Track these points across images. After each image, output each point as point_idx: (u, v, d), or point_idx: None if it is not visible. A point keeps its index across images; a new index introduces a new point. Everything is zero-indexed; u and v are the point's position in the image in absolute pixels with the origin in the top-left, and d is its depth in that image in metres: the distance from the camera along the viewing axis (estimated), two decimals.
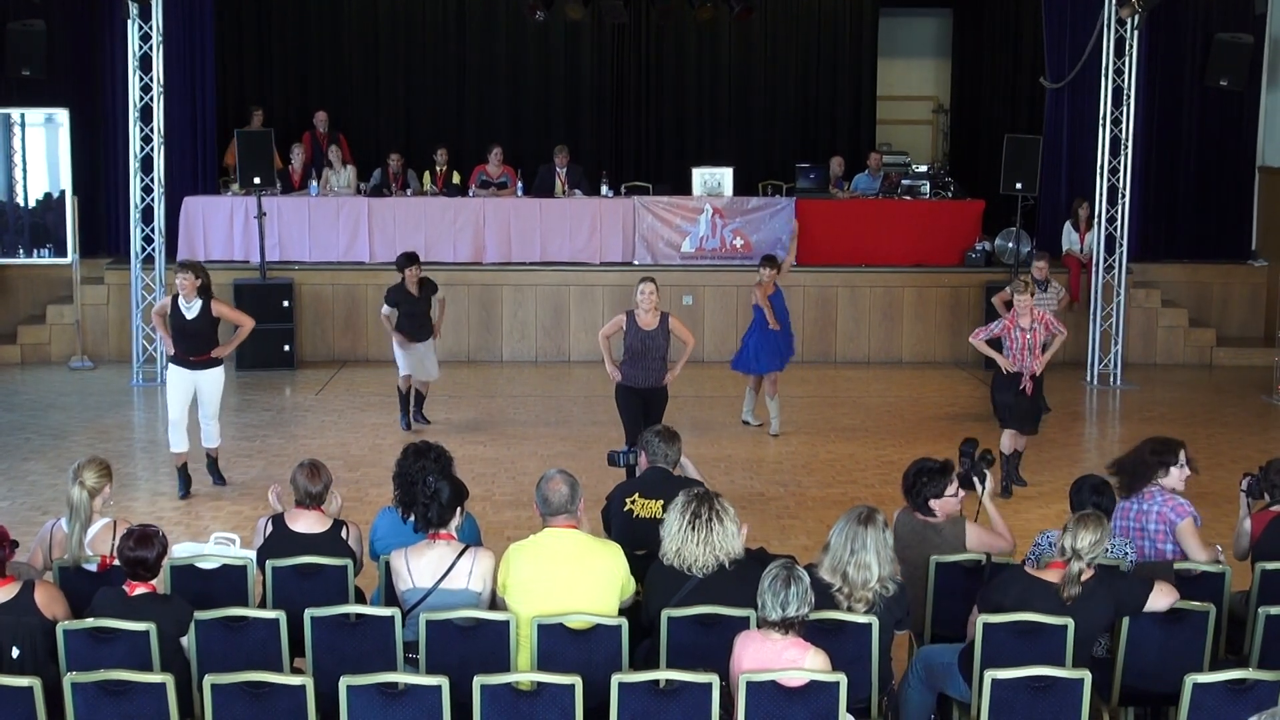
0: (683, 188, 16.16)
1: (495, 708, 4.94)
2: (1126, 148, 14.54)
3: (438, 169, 16.22)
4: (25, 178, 14.87)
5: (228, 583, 6.15)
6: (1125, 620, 5.70)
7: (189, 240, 15.26)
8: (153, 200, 14.19)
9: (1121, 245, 14.66)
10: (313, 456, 6.70)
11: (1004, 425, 10.34)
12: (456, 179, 16.08)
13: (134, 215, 14.19)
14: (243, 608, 5.72)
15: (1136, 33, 14.24)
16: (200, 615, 5.54)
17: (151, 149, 14.11)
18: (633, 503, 6.65)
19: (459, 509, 5.88)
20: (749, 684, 4.90)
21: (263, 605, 6.04)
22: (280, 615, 5.60)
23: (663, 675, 5.02)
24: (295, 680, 5.02)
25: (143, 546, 5.56)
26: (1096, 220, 14.63)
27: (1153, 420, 12.71)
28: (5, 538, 5.56)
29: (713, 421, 12.57)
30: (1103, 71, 14.48)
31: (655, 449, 6.83)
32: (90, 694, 4.93)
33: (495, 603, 5.74)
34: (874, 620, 5.47)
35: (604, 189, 16.04)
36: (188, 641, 5.56)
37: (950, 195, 16.34)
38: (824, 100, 19.48)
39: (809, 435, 11.99)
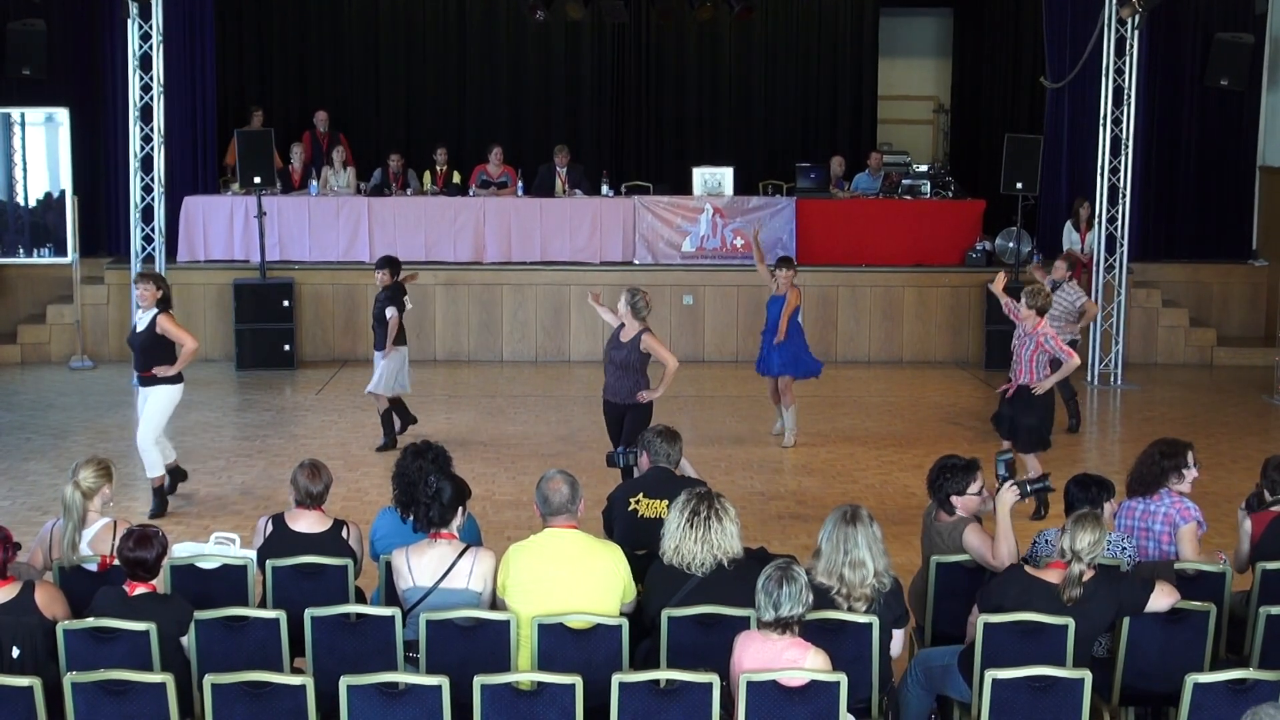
0: (683, 187, 16.16)
1: (496, 707, 4.94)
2: (1127, 147, 14.53)
3: (438, 168, 16.22)
4: (25, 177, 14.87)
5: (228, 583, 6.15)
6: (1126, 620, 5.70)
7: (189, 240, 15.26)
8: (153, 200, 14.19)
9: (1122, 245, 14.66)
10: (313, 456, 6.70)
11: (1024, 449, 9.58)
12: (457, 179, 16.08)
13: (134, 215, 14.19)
14: (243, 607, 5.72)
15: (1137, 32, 14.24)
16: (200, 615, 5.53)
17: (151, 148, 14.11)
18: (637, 502, 6.64)
19: (461, 508, 5.88)
20: (749, 684, 4.90)
21: (263, 605, 6.04)
22: (280, 615, 5.60)
23: (663, 675, 5.02)
24: (295, 680, 5.01)
25: (142, 547, 5.56)
26: (1097, 220, 14.62)
27: (1153, 420, 12.71)
28: (8, 540, 5.56)
29: (713, 421, 12.57)
30: (1103, 71, 14.47)
31: (658, 449, 6.83)
32: (90, 694, 4.93)
33: (495, 603, 5.73)
34: (874, 620, 5.46)
35: (604, 189, 16.04)
36: (188, 641, 5.56)
37: (951, 195, 16.34)
38: (824, 100, 19.47)
39: (809, 435, 11.98)
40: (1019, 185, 14.87)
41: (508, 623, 5.50)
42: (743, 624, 5.38)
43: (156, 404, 9.42)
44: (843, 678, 4.93)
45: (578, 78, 19.07)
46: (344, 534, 6.38)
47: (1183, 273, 16.40)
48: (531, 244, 15.53)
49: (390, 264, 11.55)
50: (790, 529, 9.33)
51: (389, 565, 5.95)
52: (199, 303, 15.09)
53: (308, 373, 14.64)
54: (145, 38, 13.93)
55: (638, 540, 6.37)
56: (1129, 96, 14.40)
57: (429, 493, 5.84)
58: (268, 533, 6.35)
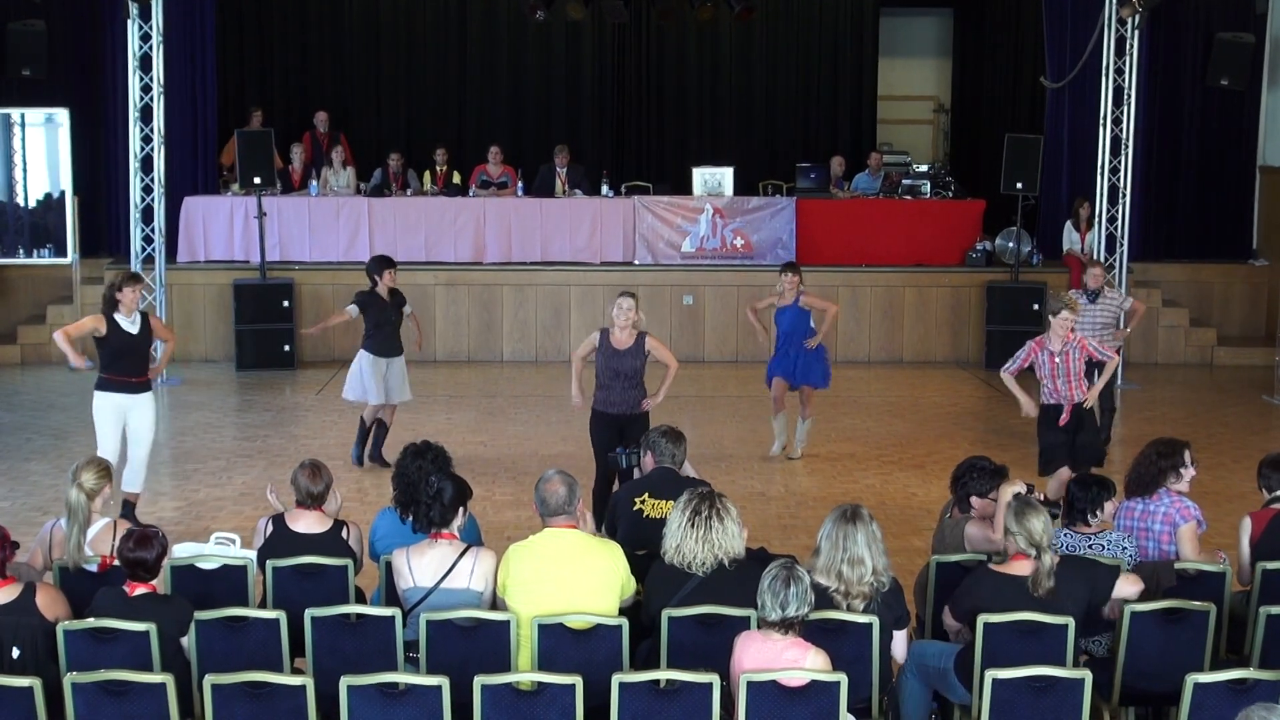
0: (683, 187, 16.16)
1: (496, 708, 4.94)
2: (1127, 147, 14.53)
3: (438, 169, 16.22)
4: (25, 178, 14.86)
5: (228, 583, 6.14)
6: (1126, 620, 5.70)
7: (189, 240, 15.26)
8: (153, 200, 14.18)
9: (1122, 245, 14.66)
10: (313, 457, 6.70)
11: (1043, 472, 9.08)
12: (457, 179, 16.08)
13: (134, 215, 14.18)
14: (243, 608, 5.72)
15: (1137, 32, 14.24)
16: (200, 615, 5.53)
17: (151, 149, 14.11)
18: (642, 502, 6.64)
19: (461, 509, 5.88)
20: (750, 684, 4.90)
21: (263, 605, 6.03)
22: (281, 615, 5.60)
23: (663, 675, 5.02)
24: (296, 680, 5.01)
25: (142, 547, 5.56)
26: (1097, 220, 14.62)
27: (1154, 420, 12.71)
28: (6, 539, 5.56)
29: (713, 421, 12.57)
30: (1103, 71, 14.47)
31: (662, 449, 6.83)
32: (90, 694, 4.93)
33: (496, 603, 5.74)
34: (874, 620, 5.46)
35: (604, 189, 16.04)
36: (188, 642, 5.55)
37: (951, 195, 16.34)
38: (825, 100, 19.48)
39: (810, 435, 11.96)
40: (1019, 185, 14.88)
41: (508, 623, 5.50)
42: (743, 624, 5.38)
43: (155, 410, 9.24)
44: (843, 678, 4.93)
45: (578, 78, 19.07)
46: (344, 534, 6.38)
47: (1183, 272, 16.40)
48: (532, 244, 15.53)
49: (376, 265, 11.03)
50: (790, 529, 9.32)
51: (389, 565, 5.95)
52: (199, 303, 15.10)
53: (308, 373, 14.64)
54: (145, 38, 13.93)
55: (642, 540, 6.37)
56: (1129, 96, 14.40)
57: (430, 493, 5.84)
58: (268, 533, 6.35)
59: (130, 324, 8.98)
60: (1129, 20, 14.20)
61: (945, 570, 6.27)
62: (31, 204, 14.90)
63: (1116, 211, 14.63)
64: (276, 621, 5.58)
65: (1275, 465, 6.72)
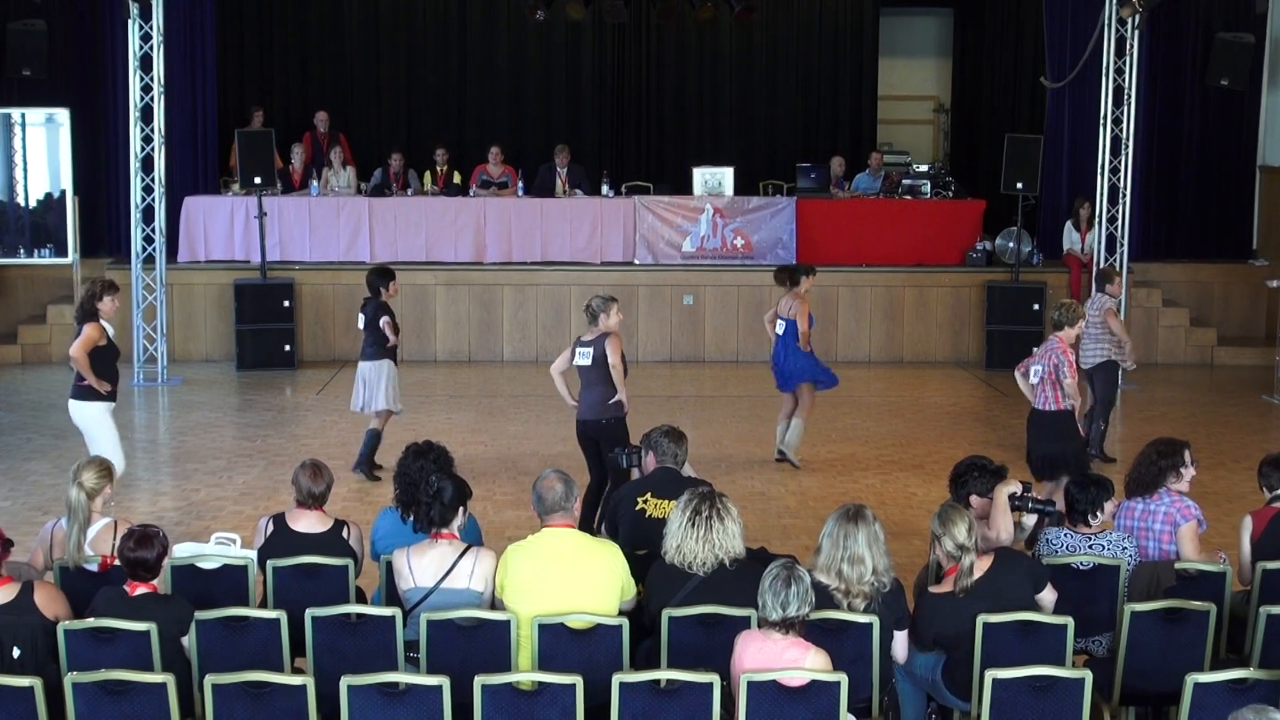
0: (683, 187, 16.16)
1: (496, 707, 4.94)
2: (1127, 147, 14.53)
3: (438, 169, 16.22)
4: (26, 178, 14.86)
5: (228, 583, 6.15)
6: (1126, 619, 5.70)
7: (189, 240, 15.26)
8: (153, 200, 14.18)
9: (1122, 245, 14.66)
10: (314, 457, 6.70)
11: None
12: (457, 179, 16.08)
13: (134, 215, 14.19)
14: (243, 608, 5.72)
15: (1137, 32, 14.24)
16: (201, 615, 5.54)
17: (152, 149, 14.11)
18: (645, 502, 6.64)
19: (461, 508, 5.88)
20: (750, 684, 4.90)
21: (263, 605, 6.04)
22: (281, 615, 5.60)
23: (664, 675, 5.02)
24: (296, 680, 5.02)
25: (143, 547, 5.56)
26: (1097, 220, 14.62)
27: (1154, 420, 12.70)
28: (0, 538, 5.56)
29: (713, 421, 12.57)
30: (1103, 71, 14.47)
31: (664, 449, 6.83)
32: (91, 694, 4.93)
33: (495, 604, 5.74)
34: (874, 620, 5.47)
35: (605, 189, 16.04)
36: (188, 641, 5.56)
37: (951, 195, 16.34)
38: (825, 100, 19.47)
39: (810, 435, 11.95)
40: (1019, 185, 14.88)
41: (508, 623, 5.51)
42: (744, 624, 5.38)
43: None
44: (843, 678, 4.93)
45: (578, 78, 19.07)
46: (345, 534, 6.39)
47: (1183, 272, 16.40)
48: (532, 244, 15.53)
49: (386, 277, 10.67)
50: (790, 529, 9.33)
51: (389, 565, 5.96)
52: (199, 303, 15.11)
53: (308, 373, 14.64)
54: (146, 38, 13.93)
55: (643, 540, 6.36)
56: (1129, 96, 14.40)
57: (430, 492, 5.85)
58: (268, 533, 6.35)
59: (110, 332, 8.87)
60: (1129, 20, 14.20)
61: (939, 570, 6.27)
62: (32, 204, 14.89)
63: (1116, 211, 14.63)
64: (277, 621, 5.58)
65: (1276, 464, 6.73)
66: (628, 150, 19.17)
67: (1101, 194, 14.55)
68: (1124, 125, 14.49)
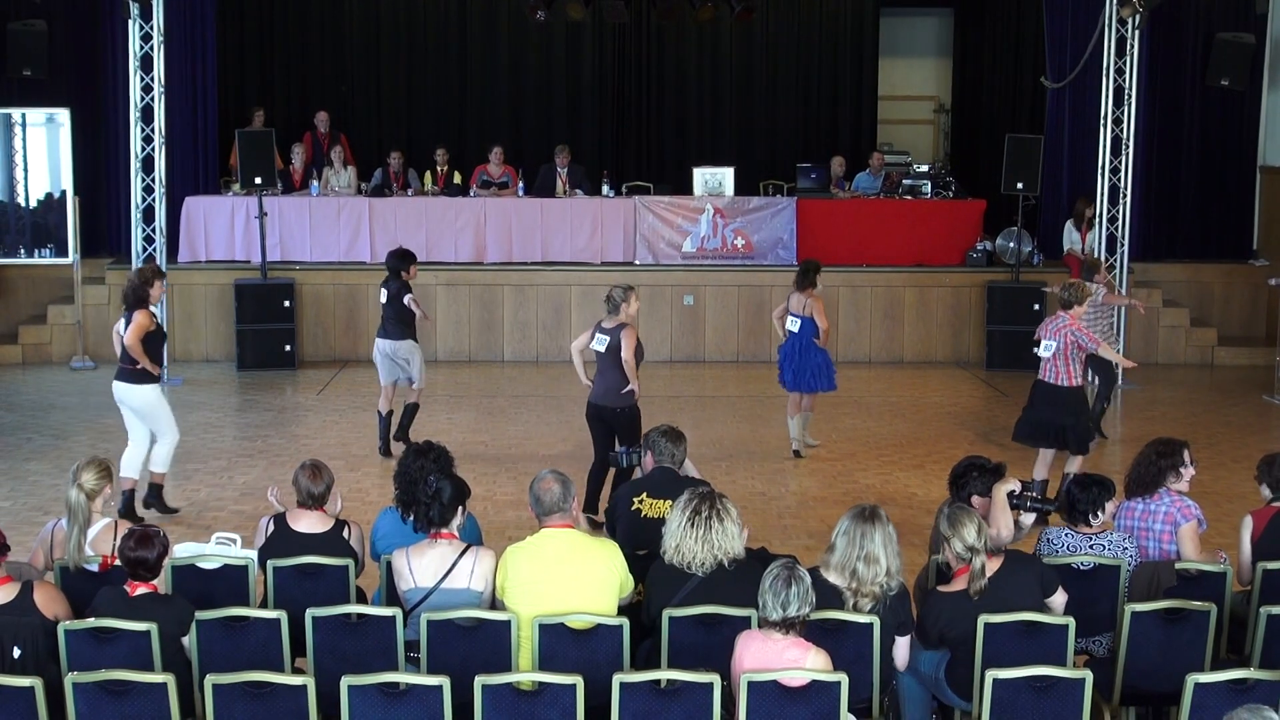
0: (684, 188, 16.15)
1: (496, 707, 4.94)
2: (1127, 147, 14.54)
3: (438, 169, 16.22)
4: (26, 178, 14.87)
5: (229, 583, 6.15)
6: (1126, 619, 5.71)
7: (190, 240, 15.26)
8: (154, 200, 14.19)
9: (1122, 245, 14.67)
10: (314, 457, 6.70)
11: (1088, 450, 9.56)
12: (457, 179, 16.08)
13: (135, 215, 14.19)
14: (244, 608, 5.72)
15: (1138, 32, 14.24)
16: (201, 615, 5.54)
17: (152, 149, 14.12)
18: (640, 502, 6.65)
19: (460, 508, 5.89)
20: (750, 684, 4.90)
21: (264, 605, 6.04)
22: (281, 615, 5.60)
23: (664, 675, 5.02)
24: (296, 680, 5.02)
25: (143, 547, 5.56)
26: (1098, 220, 14.62)
27: (1154, 420, 12.70)
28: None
29: (714, 421, 12.57)
30: (1104, 71, 14.48)
31: (662, 449, 6.84)
32: (91, 694, 4.93)
33: (495, 605, 5.74)
34: (875, 620, 5.47)
35: (605, 189, 16.05)
36: (189, 641, 5.56)
37: (951, 195, 16.34)
38: (825, 100, 19.47)
39: (810, 435, 11.97)
40: (1020, 185, 14.88)
41: (509, 623, 5.51)
42: (744, 624, 5.38)
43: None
44: (843, 678, 4.94)
45: (578, 78, 19.07)
46: (345, 534, 6.39)
47: (1183, 272, 16.40)
48: (532, 244, 15.53)
49: (408, 259, 11.25)
50: (791, 529, 9.33)
51: (390, 565, 5.96)
52: (200, 303, 15.11)
53: (309, 373, 14.65)
54: (146, 38, 13.93)
55: (640, 540, 6.37)
56: (1130, 96, 14.41)
57: (428, 492, 5.85)
58: (269, 533, 6.36)
59: (159, 317, 9.44)
60: (1129, 20, 14.20)
61: (944, 572, 6.26)
62: (32, 204, 14.90)
63: (1117, 211, 14.63)
64: (277, 621, 5.58)
65: (1275, 464, 6.73)
66: (628, 150, 19.17)
67: (1102, 194, 14.56)
68: (1124, 125, 14.49)
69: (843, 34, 19.44)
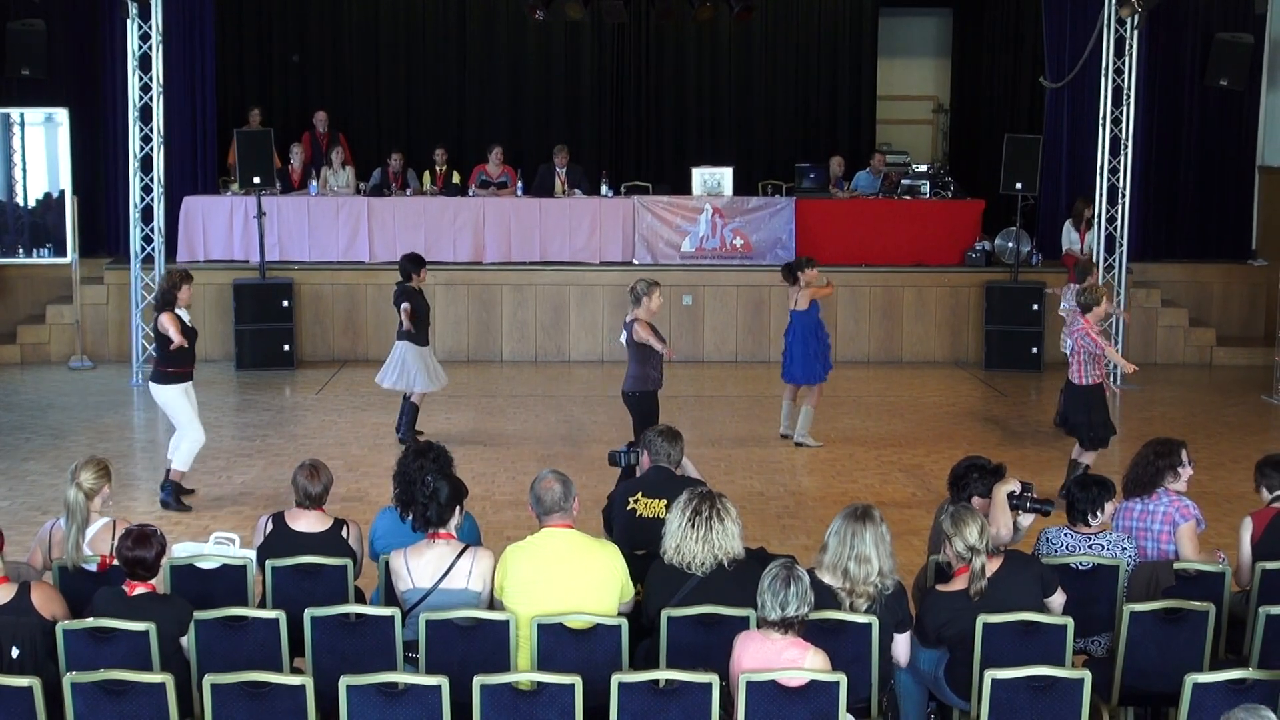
0: (683, 187, 16.16)
1: (495, 707, 4.94)
2: (1126, 147, 14.54)
3: (437, 169, 16.22)
4: (25, 177, 14.87)
5: (227, 582, 6.15)
6: (1125, 619, 5.71)
7: (189, 240, 15.26)
8: (152, 200, 14.18)
9: (1121, 245, 14.67)
10: (313, 457, 6.70)
11: (1102, 446, 9.97)
12: (456, 179, 16.08)
13: (134, 215, 14.18)
14: (242, 607, 5.72)
15: (1136, 32, 14.24)
16: (200, 615, 5.53)
17: (151, 149, 14.11)
18: (636, 502, 6.64)
19: (458, 508, 5.88)
20: (749, 684, 4.90)
21: (262, 605, 6.04)
22: (280, 615, 5.60)
23: (663, 675, 5.02)
24: (295, 680, 5.01)
25: (141, 546, 5.56)
26: (1096, 220, 14.62)
27: (1153, 420, 12.70)
28: None
29: (713, 421, 12.57)
30: (1103, 71, 14.48)
31: (658, 448, 6.83)
32: (90, 694, 4.93)
33: (493, 604, 5.74)
34: (874, 620, 5.47)
35: (604, 189, 16.04)
36: (187, 641, 5.56)
37: (950, 195, 16.34)
38: (824, 100, 19.47)
39: (811, 436, 11.96)
40: (1018, 185, 14.88)
41: (507, 623, 5.50)
42: (743, 624, 5.38)
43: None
44: (842, 678, 4.93)
45: (577, 78, 19.07)
46: (344, 534, 6.39)
47: (1182, 272, 16.40)
48: (531, 244, 15.53)
49: (418, 263, 11.61)
50: (790, 529, 9.33)
51: (388, 565, 5.95)
52: (199, 303, 14.96)
53: (307, 373, 14.64)
54: (145, 38, 13.93)
55: (637, 540, 6.37)
56: (1128, 96, 14.41)
57: (426, 492, 5.85)
58: (267, 532, 6.36)
59: (188, 320, 9.67)
60: (1128, 20, 14.20)
61: (943, 571, 6.26)
62: (31, 204, 14.91)
63: (1116, 212, 14.63)
64: (276, 621, 5.58)
65: (1273, 465, 6.73)
66: (627, 150, 19.17)
67: (1101, 194, 14.55)
68: (1123, 125, 14.49)
69: (841, 34, 19.44)
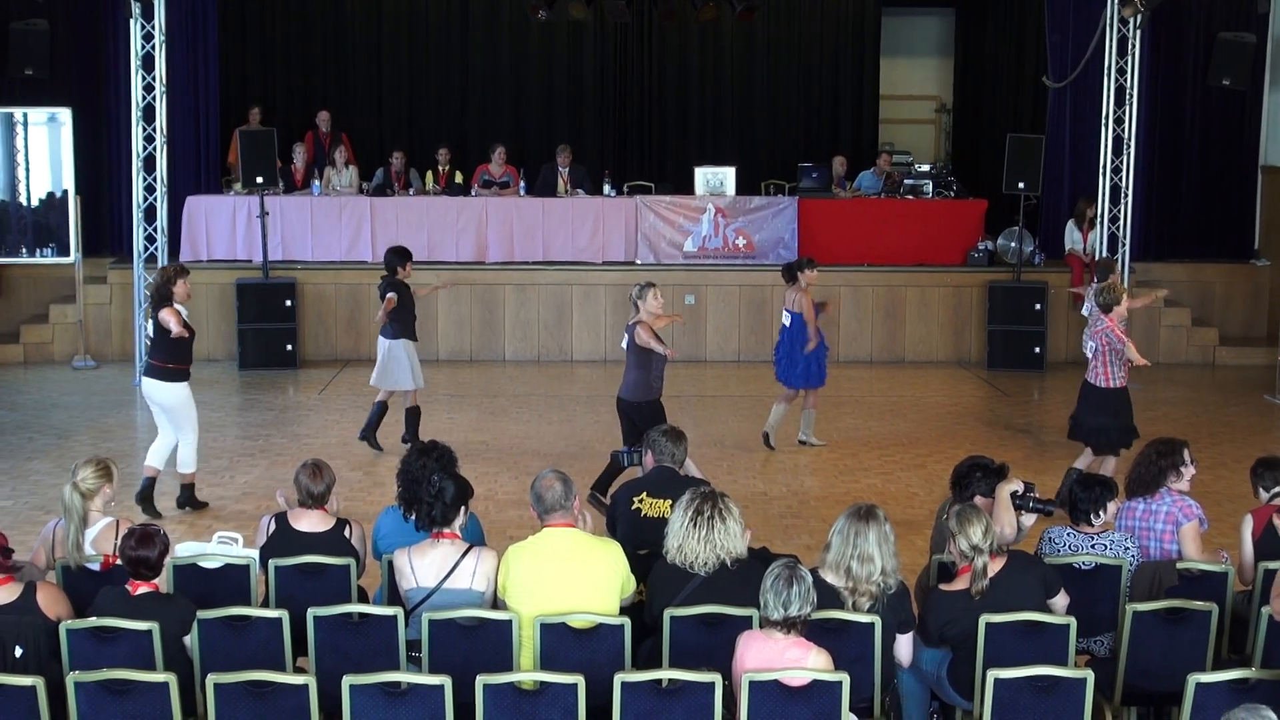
0: (685, 187, 16.15)
1: (498, 707, 4.95)
2: (1129, 147, 14.53)
3: (440, 168, 16.22)
4: (28, 177, 14.87)
5: (230, 582, 6.15)
6: (1128, 619, 5.71)
7: (192, 240, 15.26)
8: (155, 200, 14.19)
9: (1124, 244, 14.67)
10: (315, 456, 6.70)
11: (1128, 446, 9.61)
12: (459, 178, 16.08)
13: (137, 215, 14.19)
14: (246, 607, 5.73)
15: (1139, 32, 14.25)
16: (203, 614, 5.54)
17: (154, 148, 14.12)
18: (640, 501, 6.65)
19: (463, 508, 5.88)
20: (752, 683, 4.91)
21: (266, 604, 6.04)
22: (283, 614, 5.60)
23: (665, 675, 5.02)
24: (298, 679, 5.02)
25: (144, 546, 5.56)
26: (1099, 219, 14.62)
27: (1155, 420, 12.68)
28: (2, 545, 5.56)
29: (715, 421, 12.57)
30: (1105, 71, 14.48)
31: (662, 448, 6.84)
32: (93, 693, 4.94)
33: (496, 604, 5.74)
34: (876, 620, 5.47)
35: (606, 188, 16.04)
36: (190, 641, 5.56)
37: (953, 195, 16.33)
38: (826, 100, 19.47)
39: (815, 435, 11.96)
40: (1021, 185, 14.88)
41: (510, 622, 5.51)
42: (745, 624, 5.38)
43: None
44: (845, 677, 4.94)
45: (580, 78, 19.07)
46: (346, 533, 6.39)
47: (1185, 272, 16.38)
48: (534, 244, 15.53)
49: (403, 256, 11.32)
50: (792, 529, 9.33)
51: (391, 565, 5.96)
52: (201, 302, 15.04)
53: (310, 372, 14.65)
54: (148, 37, 13.94)
55: (640, 539, 6.37)
56: (1131, 96, 14.41)
57: (431, 492, 5.85)
58: (270, 532, 6.36)
59: (186, 316, 9.44)
60: (1131, 20, 14.20)
61: (946, 570, 6.27)
62: (34, 203, 14.91)
63: (1118, 211, 14.63)
64: (279, 621, 5.58)
65: (1269, 465, 6.74)
66: (629, 150, 19.17)
67: (1103, 194, 14.56)
68: (1126, 125, 14.49)
69: (844, 34, 19.44)
